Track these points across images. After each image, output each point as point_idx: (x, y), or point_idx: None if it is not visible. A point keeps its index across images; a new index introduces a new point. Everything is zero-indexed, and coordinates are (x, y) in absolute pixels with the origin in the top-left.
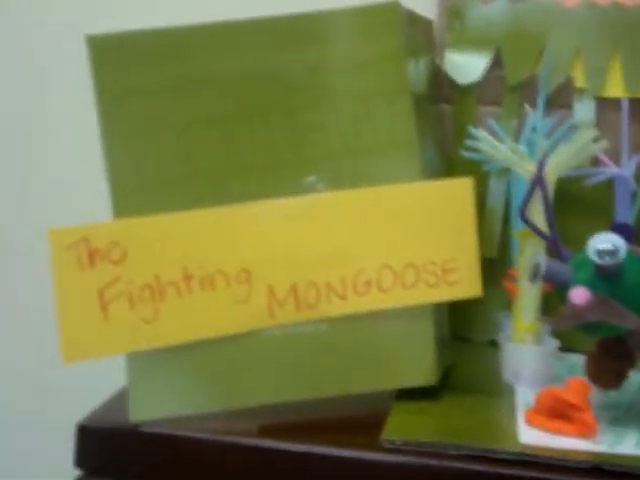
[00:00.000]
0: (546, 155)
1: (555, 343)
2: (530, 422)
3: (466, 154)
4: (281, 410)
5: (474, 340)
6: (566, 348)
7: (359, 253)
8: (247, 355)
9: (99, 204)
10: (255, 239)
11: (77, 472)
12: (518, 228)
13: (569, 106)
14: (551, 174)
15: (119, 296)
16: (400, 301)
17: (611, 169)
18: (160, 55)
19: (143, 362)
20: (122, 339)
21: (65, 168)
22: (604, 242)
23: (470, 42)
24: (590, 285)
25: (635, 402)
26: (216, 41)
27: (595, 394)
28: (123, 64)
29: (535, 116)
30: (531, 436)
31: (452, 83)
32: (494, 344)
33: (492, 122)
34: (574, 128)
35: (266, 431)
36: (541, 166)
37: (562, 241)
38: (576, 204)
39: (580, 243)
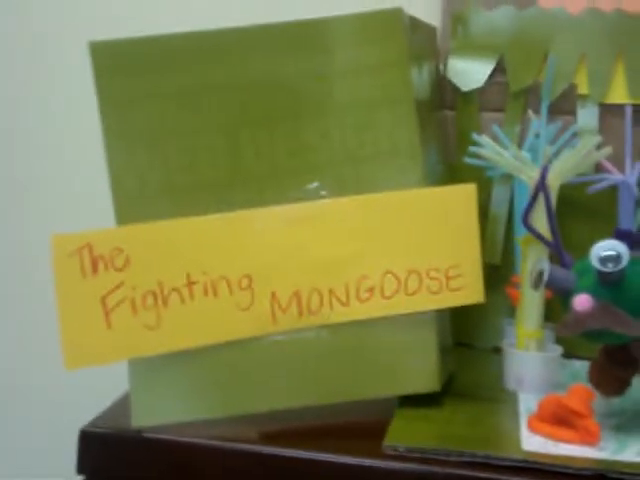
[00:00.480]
0: (549, 162)
1: (558, 350)
2: (533, 429)
3: (469, 160)
4: (283, 417)
5: (478, 346)
6: (569, 355)
7: (362, 260)
8: (249, 361)
9: (103, 211)
10: (258, 246)
11: (79, 478)
12: (521, 234)
13: (572, 112)
14: (554, 181)
15: (122, 303)
16: (403, 308)
17: (615, 176)
18: (164, 62)
19: (145, 368)
20: (125, 346)
21: (68, 173)
22: (607, 249)
23: (473, 48)
24: (593, 292)
25: (639, 409)
26: (220, 48)
27: (598, 401)
28: (126, 71)
29: (538, 122)
30: (534, 443)
31: (455, 89)
32: (498, 350)
33: (496, 128)
34: (577, 135)
35: (268, 438)
36: (544, 173)
37: (566, 247)
38: (580, 210)
39: (584, 249)
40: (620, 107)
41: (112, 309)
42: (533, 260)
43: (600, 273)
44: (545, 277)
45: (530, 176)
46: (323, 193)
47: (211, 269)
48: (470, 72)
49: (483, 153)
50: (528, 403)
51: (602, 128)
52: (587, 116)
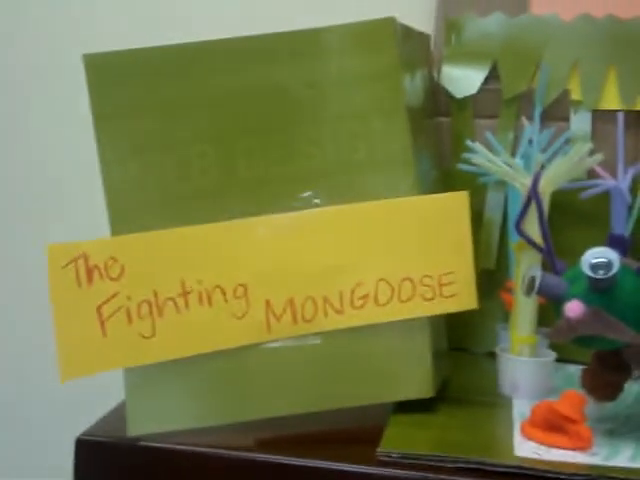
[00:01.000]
0: (541, 168)
1: (552, 355)
2: (526, 434)
3: (463, 167)
4: (279, 424)
5: (473, 351)
6: (564, 359)
7: (356, 267)
8: (245, 369)
9: (98, 222)
10: (253, 254)
11: None
12: (515, 240)
13: (566, 119)
14: (547, 187)
15: (117, 312)
16: (397, 315)
17: (607, 182)
18: (157, 73)
19: (141, 376)
20: (120, 355)
21: (63, 183)
22: (598, 256)
23: (467, 56)
24: (584, 299)
25: (632, 414)
26: (213, 59)
27: (591, 406)
28: (119, 83)
29: (532, 129)
30: (527, 449)
31: (449, 96)
32: (492, 355)
33: (489, 135)
34: (570, 141)
35: (264, 445)
36: (536, 180)
37: (559, 253)
38: (573, 216)
39: (577, 255)
40: (613, 113)
41: (107, 318)
42: (526, 266)
43: (591, 280)
44: (537, 284)
45: (522, 183)
46: (317, 202)
47: (206, 278)
48: (464, 79)
49: (475, 160)
50: (522, 408)
51: (595, 134)
52: (580, 122)
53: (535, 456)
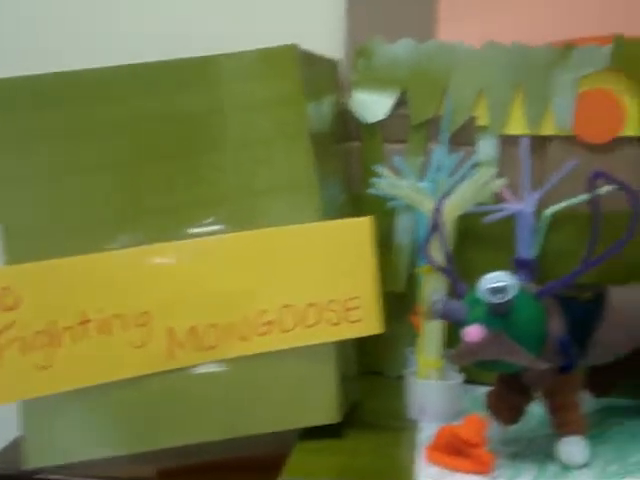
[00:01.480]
0: (446, 194)
1: (459, 378)
2: (430, 459)
3: (373, 191)
4: (182, 453)
5: (385, 375)
6: (473, 381)
7: (260, 294)
8: (147, 398)
9: None
10: (155, 282)
11: None
12: (422, 264)
13: (473, 143)
14: (452, 212)
15: (12, 343)
16: (302, 340)
17: (512, 206)
18: (56, 99)
19: (39, 407)
20: (16, 386)
21: None
22: (495, 281)
23: (376, 81)
24: (484, 322)
25: (535, 437)
26: (114, 85)
27: (496, 429)
28: (17, 109)
29: (439, 154)
30: (431, 474)
31: (359, 122)
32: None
33: (397, 159)
34: (478, 166)
35: (166, 475)
36: (439, 204)
37: (468, 277)
38: (481, 240)
39: None
40: (520, 138)
41: (2, 350)
42: (432, 290)
43: (490, 304)
44: (438, 308)
45: (428, 207)
46: (220, 228)
47: (107, 307)
48: (373, 104)
49: (380, 185)
50: (428, 432)
51: (502, 159)
52: (487, 147)
53: None
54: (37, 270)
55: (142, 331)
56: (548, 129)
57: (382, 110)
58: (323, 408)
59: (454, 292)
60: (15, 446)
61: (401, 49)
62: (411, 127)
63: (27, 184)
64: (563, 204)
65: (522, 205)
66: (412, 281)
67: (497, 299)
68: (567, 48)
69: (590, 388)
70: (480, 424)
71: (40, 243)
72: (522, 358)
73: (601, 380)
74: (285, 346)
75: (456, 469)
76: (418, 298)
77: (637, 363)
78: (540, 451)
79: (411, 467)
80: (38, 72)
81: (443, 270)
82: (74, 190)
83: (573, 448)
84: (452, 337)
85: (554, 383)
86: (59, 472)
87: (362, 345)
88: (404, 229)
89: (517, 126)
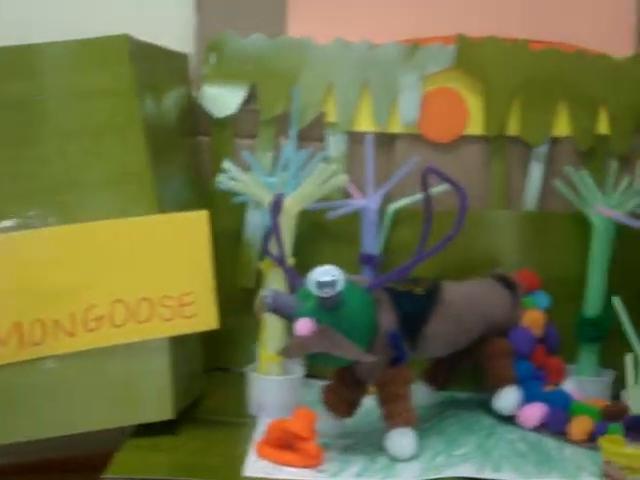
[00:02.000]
0: (283, 189)
1: (300, 372)
2: (260, 454)
3: (220, 186)
4: (8, 451)
5: (234, 370)
6: (316, 375)
7: (90, 289)
8: None
9: None
10: None
11: None
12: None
13: (323, 140)
14: (293, 207)
15: None
16: (134, 336)
17: (357, 202)
18: None
19: None
20: None
21: None
22: (323, 275)
23: (226, 76)
24: (314, 316)
25: (372, 430)
26: None
27: (332, 423)
28: None
29: (288, 149)
30: (257, 468)
31: (209, 116)
32: None
33: (246, 155)
34: (326, 162)
35: None
36: (276, 200)
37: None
38: (328, 235)
39: None
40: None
41: None
42: (275, 284)
43: (319, 298)
44: (268, 302)
45: (269, 202)
46: (48, 220)
47: None
48: (223, 99)
49: (223, 180)
50: (264, 427)
51: (351, 155)
52: (336, 143)
53: (264, 475)
54: None
55: None
56: (395, 127)
57: (232, 105)
58: (157, 405)
59: (293, 287)
60: None
61: (251, 44)
62: (261, 122)
63: None
64: (405, 201)
65: (366, 201)
66: (261, 276)
67: (325, 293)
68: (413, 47)
69: (429, 381)
70: (309, 418)
71: None
72: (349, 351)
73: (439, 373)
74: (116, 342)
75: (284, 463)
76: None
77: (473, 356)
78: (373, 444)
79: (241, 462)
80: None
81: (280, 265)
82: None
83: (401, 440)
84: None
85: (385, 376)
86: None
87: (210, 341)
88: (254, 224)
89: (365, 123)
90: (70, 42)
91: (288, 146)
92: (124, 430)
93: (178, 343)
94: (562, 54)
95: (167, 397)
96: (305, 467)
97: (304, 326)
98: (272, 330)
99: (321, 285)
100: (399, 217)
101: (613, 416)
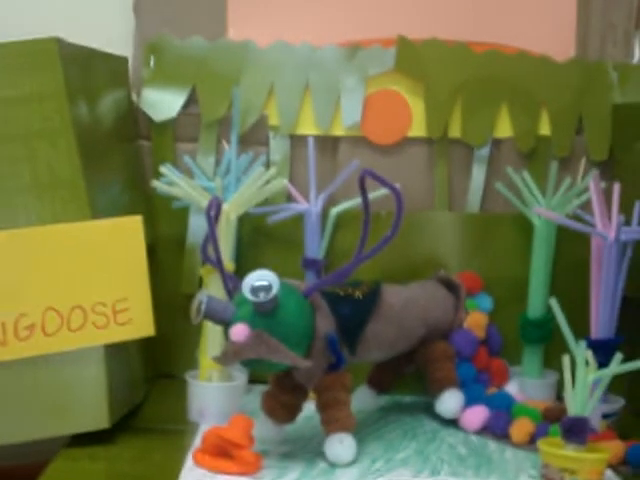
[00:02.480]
0: (226, 193)
1: (243, 378)
2: (196, 461)
3: (160, 191)
4: None
5: (179, 377)
6: (260, 380)
7: (20, 297)
8: None
9: None
10: None
11: None
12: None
13: (266, 143)
14: (232, 211)
15: None
16: (67, 344)
17: (299, 205)
18: None
19: None
20: None
21: None
22: (257, 279)
23: (166, 79)
24: (250, 322)
25: (314, 435)
26: None
27: (271, 428)
28: None
29: (229, 153)
30: (193, 476)
31: (150, 120)
32: None
33: (187, 159)
34: (268, 165)
35: None
36: (211, 204)
37: None
38: (271, 239)
39: None
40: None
41: None
42: (214, 290)
43: (254, 303)
44: (202, 308)
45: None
46: None
47: None
48: (163, 103)
49: (157, 185)
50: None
51: (294, 158)
52: (279, 147)
53: None
54: None
55: None
56: (338, 129)
57: (172, 108)
58: (92, 414)
59: (230, 292)
60: None
61: (191, 47)
62: (203, 126)
63: None
64: (348, 204)
65: (309, 205)
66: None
67: (260, 297)
68: (354, 49)
69: (372, 385)
70: (245, 424)
71: None
72: (285, 357)
73: (382, 377)
74: (48, 351)
75: (221, 471)
76: None
77: (416, 360)
78: (313, 449)
79: (178, 471)
80: None
81: (222, 271)
82: None
83: (339, 446)
84: None
85: (324, 381)
86: None
87: (154, 347)
88: (196, 230)
89: (308, 126)
90: None
91: (229, 150)
92: (63, 440)
93: (115, 350)
94: (503, 56)
95: (103, 406)
96: (242, 474)
97: (239, 332)
98: (212, 336)
99: (255, 290)
100: (342, 220)
101: (552, 418)
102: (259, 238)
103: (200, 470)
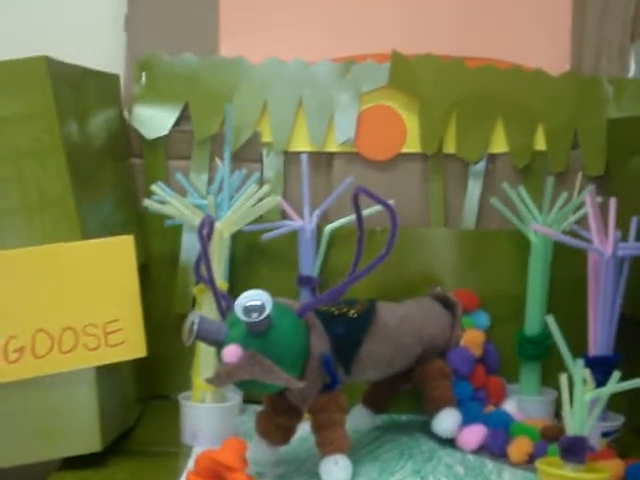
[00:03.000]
0: (219, 211)
1: (237, 399)
2: None
3: (152, 209)
4: None
5: (172, 399)
6: (254, 401)
7: (10, 319)
8: None
9: None
10: None
11: None
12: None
13: (260, 160)
14: (225, 229)
15: None
16: (58, 367)
17: (293, 223)
18: None
19: None
20: None
21: None
22: (250, 299)
23: (158, 96)
24: (242, 342)
25: (309, 456)
26: None
27: (266, 450)
28: None
29: (222, 170)
30: None
31: (142, 138)
32: None
33: (179, 177)
34: (262, 182)
35: None
36: (204, 223)
37: None
38: (265, 257)
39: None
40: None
41: None
42: (207, 309)
43: (247, 323)
44: (194, 329)
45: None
46: None
47: None
48: (155, 120)
49: (148, 204)
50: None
51: (288, 175)
52: (272, 163)
53: None
54: None
55: None
56: (332, 146)
57: (164, 126)
58: (84, 437)
59: (223, 311)
60: None
61: (183, 64)
62: (195, 143)
63: None
64: (342, 221)
65: (303, 222)
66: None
67: (253, 318)
68: (347, 64)
69: (368, 405)
70: (239, 447)
71: None
72: (279, 378)
73: (378, 397)
74: (38, 373)
75: None
76: None
77: (412, 379)
78: (308, 471)
79: None
80: None
81: (215, 290)
82: None
83: (335, 467)
84: None
85: (318, 401)
86: None
87: (148, 368)
88: (189, 248)
89: (301, 142)
90: None
91: (222, 167)
92: (54, 464)
93: (106, 372)
94: (498, 71)
95: (94, 429)
96: None
97: (231, 353)
98: (205, 357)
99: (248, 310)
100: (336, 237)
101: (551, 437)
102: (253, 256)
103: None
